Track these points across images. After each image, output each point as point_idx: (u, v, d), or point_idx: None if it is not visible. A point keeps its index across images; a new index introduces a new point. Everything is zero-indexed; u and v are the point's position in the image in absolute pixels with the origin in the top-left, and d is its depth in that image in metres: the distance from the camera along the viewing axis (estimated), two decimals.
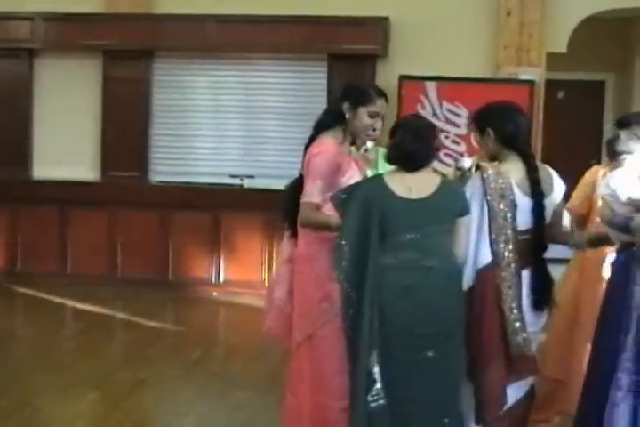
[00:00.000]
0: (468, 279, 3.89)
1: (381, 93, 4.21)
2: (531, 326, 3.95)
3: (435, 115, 8.04)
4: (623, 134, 4.25)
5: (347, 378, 3.88)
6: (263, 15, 8.47)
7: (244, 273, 8.56)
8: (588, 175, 4.98)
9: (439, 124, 7.97)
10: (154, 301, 8.18)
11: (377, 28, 8.38)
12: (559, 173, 4.18)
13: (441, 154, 7.86)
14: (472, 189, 3.93)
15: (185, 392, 5.71)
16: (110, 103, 8.86)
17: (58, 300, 8.13)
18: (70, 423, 5.12)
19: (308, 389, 4.15)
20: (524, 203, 3.94)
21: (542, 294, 4.01)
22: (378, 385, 3.68)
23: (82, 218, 8.75)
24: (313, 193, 4.06)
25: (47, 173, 8.98)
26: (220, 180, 8.85)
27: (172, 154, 9.02)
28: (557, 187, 4.12)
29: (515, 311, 3.87)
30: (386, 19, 8.39)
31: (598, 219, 4.13)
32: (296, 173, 4.32)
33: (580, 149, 10.34)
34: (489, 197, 3.87)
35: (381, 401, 3.69)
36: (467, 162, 4.15)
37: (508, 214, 3.88)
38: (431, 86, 8.08)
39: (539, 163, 4.18)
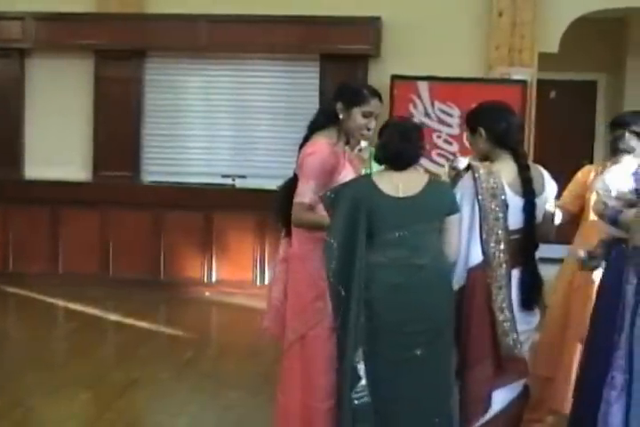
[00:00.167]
0: (458, 279, 3.91)
1: (375, 93, 4.20)
2: (523, 324, 3.96)
3: (427, 115, 8.05)
4: (617, 133, 4.33)
5: (333, 378, 3.89)
6: (255, 15, 8.46)
7: (236, 273, 8.56)
8: (579, 175, 4.99)
9: (431, 124, 7.99)
10: (146, 301, 8.17)
11: (369, 27, 8.39)
12: (551, 173, 4.19)
13: (433, 154, 7.89)
14: (463, 189, 3.94)
15: (177, 392, 5.71)
16: (102, 103, 8.85)
17: (49, 300, 8.12)
18: (63, 424, 5.11)
19: (298, 388, 4.16)
20: (516, 202, 3.95)
21: (531, 294, 4.02)
22: (362, 382, 3.71)
23: (74, 218, 8.74)
24: (306, 193, 4.06)
25: (39, 173, 8.96)
26: (212, 179, 8.84)
27: (163, 154, 9.01)
28: (549, 186, 4.14)
29: (505, 312, 3.87)
30: (378, 19, 8.39)
31: (592, 214, 4.17)
32: (289, 173, 4.32)
33: (572, 148, 10.35)
34: (480, 197, 3.88)
35: (365, 398, 3.71)
36: (462, 162, 4.16)
37: (500, 214, 3.89)
38: (423, 86, 8.08)
39: (530, 162, 4.20)
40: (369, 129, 4.19)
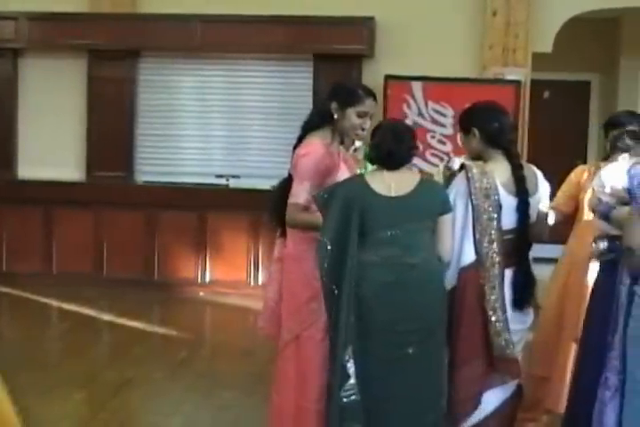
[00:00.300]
0: (451, 278, 3.92)
1: (370, 93, 4.20)
2: (517, 323, 3.97)
3: (420, 115, 8.05)
4: (616, 133, 4.38)
5: (325, 378, 3.90)
6: (249, 15, 8.46)
7: (230, 273, 8.56)
8: (573, 175, 5.00)
9: (425, 124, 7.99)
10: (140, 301, 8.16)
11: (363, 28, 8.39)
12: (544, 173, 4.20)
13: (427, 154, 7.89)
14: (457, 189, 3.95)
15: (171, 392, 5.71)
16: (95, 103, 8.84)
17: (43, 300, 8.11)
18: (56, 424, 5.10)
19: (292, 389, 4.16)
20: (509, 202, 3.96)
21: (524, 294, 4.03)
22: (351, 380, 3.73)
23: (67, 218, 8.73)
24: (300, 194, 4.06)
25: (32, 173, 8.95)
26: (206, 180, 8.84)
27: (157, 154, 9.00)
28: (542, 186, 4.15)
29: (498, 312, 3.88)
30: (371, 19, 8.39)
31: (587, 214, 4.18)
32: (282, 173, 4.33)
33: (566, 149, 10.35)
34: (473, 197, 3.89)
35: (354, 397, 3.73)
36: (457, 162, 4.17)
37: (493, 215, 3.90)
38: (417, 86, 8.08)
39: (524, 162, 4.22)
40: (363, 129, 4.19)
